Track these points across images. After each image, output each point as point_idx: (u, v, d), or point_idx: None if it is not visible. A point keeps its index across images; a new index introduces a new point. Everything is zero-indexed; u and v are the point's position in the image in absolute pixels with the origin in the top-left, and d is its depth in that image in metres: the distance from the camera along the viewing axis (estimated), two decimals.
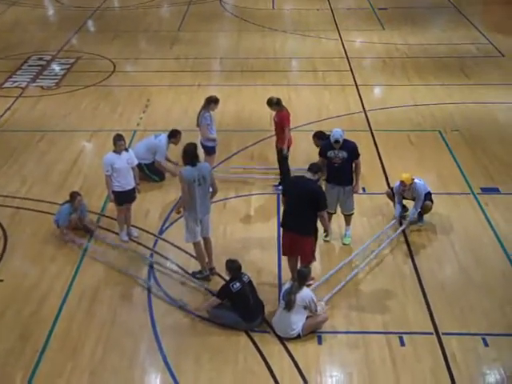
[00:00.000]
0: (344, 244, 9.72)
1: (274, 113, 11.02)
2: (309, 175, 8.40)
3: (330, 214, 9.58)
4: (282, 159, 10.98)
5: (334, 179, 9.46)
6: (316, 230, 8.56)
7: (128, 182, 9.51)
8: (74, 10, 22.45)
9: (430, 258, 9.48)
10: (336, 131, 9.33)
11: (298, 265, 8.53)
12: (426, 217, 10.18)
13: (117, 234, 9.93)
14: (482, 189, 11.15)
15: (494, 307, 8.45)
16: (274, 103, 10.80)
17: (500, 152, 12.46)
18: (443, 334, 8.00)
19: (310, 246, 8.50)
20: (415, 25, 20.50)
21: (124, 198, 9.59)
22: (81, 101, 14.97)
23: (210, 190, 8.75)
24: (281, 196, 8.80)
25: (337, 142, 9.24)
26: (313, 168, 8.46)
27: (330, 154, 9.36)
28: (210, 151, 11.05)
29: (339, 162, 9.34)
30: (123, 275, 9.13)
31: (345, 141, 9.34)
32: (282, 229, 8.63)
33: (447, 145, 12.73)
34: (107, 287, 8.92)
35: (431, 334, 8.02)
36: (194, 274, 9.03)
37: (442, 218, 10.32)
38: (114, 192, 9.47)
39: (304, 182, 8.39)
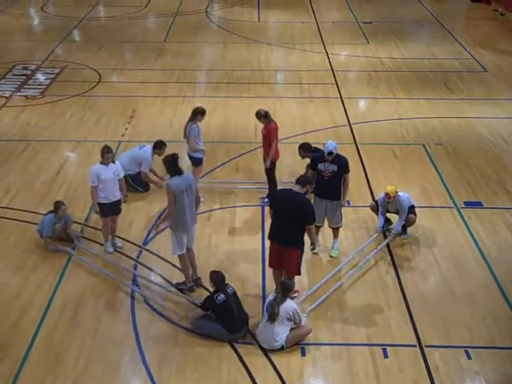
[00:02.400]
0: (331, 257, 9.74)
1: (261, 125, 11.05)
2: (297, 188, 8.34)
3: (318, 227, 9.61)
4: (269, 171, 11.02)
5: (323, 193, 9.49)
6: (303, 243, 8.54)
7: (114, 193, 9.47)
8: (60, 20, 22.43)
9: (414, 270, 9.53)
10: (330, 143, 9.37)
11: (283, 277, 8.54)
12: (410, 230, 10.25)
13: (101, 244, 9.89)
14: (465, 203, 11.25)
15: (476, 320, 8.50)
16: (262, 116, 10.83)
17: (483, 166, 12.59)
18: (426, 346, 8.03)
19: (296, 259, 8.47)
20: (400, 39, 20.71)
21: (109, 210, 9.54)
22: (66, 111, 14.92)
23: None
24: (268, 208, 8.80)
25: (330, 153, 9.28)
26: (301, 181, 8.40)
27: (321, 166, 9.40)
28: (197, 163, 11.06)
29: (329, 176, 9.37)
30: (106, 285, 9.09)
31: (337, 155, 9.38)
32: (269, 241, 8.61)
33: (431, 159, 12.84)
34: (90, 297, 8.87)
35: (414, 346, 8.05)
36: (177, 286, 9.00)
37: (425, 231, 10.40)
38: (99, 204, 9.43)
39: (292, 195, 8.35)
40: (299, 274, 8.63)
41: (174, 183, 8.35)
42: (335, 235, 9.84)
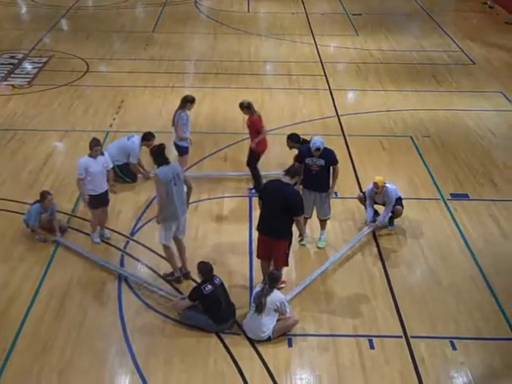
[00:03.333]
0: (318, 247, 9.77)
1: (246, 116, 11.05)
2: (286, 179, 8.33)
3: (306, 219, 9.63)
4: (251, 162, 11.03)
5: (311, 185, 9.49)
6: (291, 234, 8.54)
7: (101, 185, 9.43)
8: (48, 9, 22.25)
9: (400, 261, 9.58)
10: (317, 139, 9.34)
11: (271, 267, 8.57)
12: (397, 221, 10.29)
13: (88, 234, 9.85)
14: (451, 195, 11.31)
15: (461, 311, 8.57)
16: (245, 107, 10.84)
17: (470, 159, 12.64)
18: (412, 337, 8.08)
19: (284, 250, 8.49)
20: (389, 31, 20.72)
21: (98, 202, 9.49)
22: (53, 100, 14.83)
23: (185, 189, 8.73)
24: (256, 199, 8.77)
25: (318, 149, 9.28)
26: (290, 172, 8.40)
27: (308, 160, 9.40)
28: (183, 151, 11.03)
29: (316, 169, 9.39)
30: (93, 276, 9.07)
31: (324, 149, 9.38)
32: (257, 232, 8.61)
33: (418, 151, 12.89)
34: (77, 288, 8.85)
35: (400, 337, 8.10)
36: (165, 277, 8.99)
37: (412, 222, 10.44)
38: (89, 196, 9.39)
39: (281, 186, 8.35)
40: (287, 265, 8.66)
41: (162, 173, 8.34)
42: (323, 227, 9.86)
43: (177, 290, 8.76)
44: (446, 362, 7.74)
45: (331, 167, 9.46)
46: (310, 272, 9.16)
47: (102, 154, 9.45)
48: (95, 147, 9.29)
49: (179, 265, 8.97)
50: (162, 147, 8.55)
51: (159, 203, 8.50)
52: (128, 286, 8.88)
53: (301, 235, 8.78)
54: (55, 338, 7.95)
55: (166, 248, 8.77)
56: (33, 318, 8.27)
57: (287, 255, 8.59)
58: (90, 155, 9.30)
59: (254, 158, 11.07)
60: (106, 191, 9.58)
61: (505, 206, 11.00)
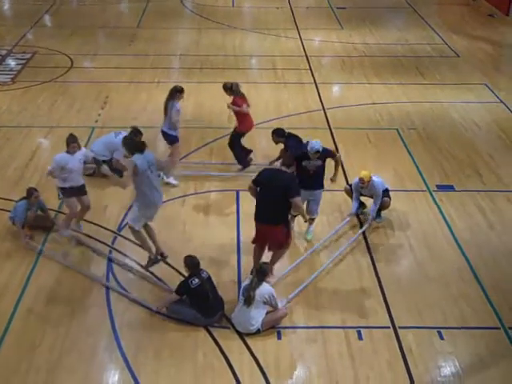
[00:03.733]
0: (306, 240, 9.78)
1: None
2: (282, 168, 8.61)
3: (294, 217, 9.66)
4: (234, 141, 11.30)
5: (307, 185, 9.37)
6: (288, 220, 8.65)
7: (79, 180, 9.35)
8: (31, 5, 22.06)
9: (388, 253, 9.63)
10: (316, 142, 9.27)
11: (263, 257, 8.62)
12: (384, 213, 10.33)
13: (75, 231, 9.79)
14: (437, 186, 11.38)
15: (448, 301, 8.63)
16: (228, 88, 11.12)
17: (455, 150, 12.72)
18: (400, 327, 8.13)
19: (282, 233, 8.52)
20: (373, 24, 20.75)
21: (73, 192, 9.39)
22: (37, 96, 14.73)
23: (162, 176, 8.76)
24: (250, 184, 8.62)
25: (317, 152, 9.24)
26: (285, 163, 8.68)
27: (306, 163, 9.36)
28: (172, 140, 11.10)
29: (314, 170, 9.39)
30: (81, 272, 9.03)
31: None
32: (255, 222, 8.57)
33: (404, 143, 12.94)
34: (65, 284, 8.81)
35: (388, 327, 8.14)
36: (146, 267, 8.96)
37: (399, 214, 10.49)
38: (62, 188, 9.30)
39: (277, 172, 8.56)
40: (288, 245, 8.72)
41: (139, 161, 8.32)
42: (310, 223, 9.87)
43: (164, 283, 8.76)
44: (433, 351, 7.80)
45: (331, 160, 9.53)
46: (292, 265, 9.21)
47: (79, 148, 9.34)
48: (72, 143, 9.18)
49: (153, 248, 8.95)
50: (134, 135, 8.69)
51: (125, 183, 8.67)
52: (116, 281, 8.86)
53: (303, 217, 8.78)
54: (42, 335, 7.91)
55: (136, 232, 8.73)
56: (20, 315, 8.23)
57: (287, 236, 8.63)
58: (68, 152, 9.20)
59: (237, 136, 11.31)
60: (83, 184, 9.49)
61: (490, 197, 11.08)
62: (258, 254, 8.75)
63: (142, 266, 9.07)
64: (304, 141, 10.12)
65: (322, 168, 9.50)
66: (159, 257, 8.96)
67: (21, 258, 9.29)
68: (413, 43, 19.11)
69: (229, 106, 11.23)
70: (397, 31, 20.25)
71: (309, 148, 9.30)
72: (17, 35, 18.80)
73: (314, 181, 9.49)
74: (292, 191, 8.29)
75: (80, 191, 9.48)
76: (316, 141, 9.39)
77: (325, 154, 9.45)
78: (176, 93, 10.83)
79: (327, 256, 9.48)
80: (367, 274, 9.16)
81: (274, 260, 8.82)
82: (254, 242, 8.77)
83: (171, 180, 11.20)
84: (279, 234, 8.53)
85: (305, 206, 9.76)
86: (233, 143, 11.46)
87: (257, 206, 8.56)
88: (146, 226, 8.87)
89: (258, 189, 8.55)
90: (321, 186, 9.60)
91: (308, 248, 9.65)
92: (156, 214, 8.83)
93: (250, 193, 8.70)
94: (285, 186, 8.27)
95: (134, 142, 8.65)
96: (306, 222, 9.22)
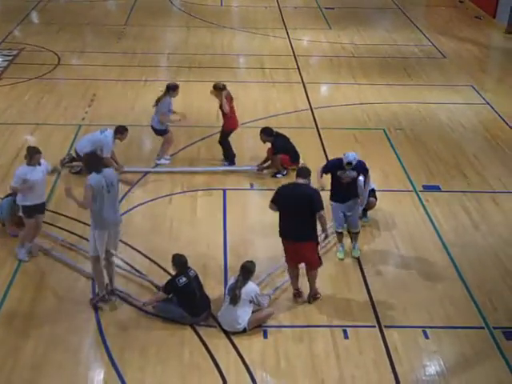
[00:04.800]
0: (354, 257, 9.49)
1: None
2: (300, 181, 8.21)
3: (339, 233, 9.50)
4: (222, 138, 11.48)
5: (342, 197, 9.17)
6: (317, 234, 8.30)
7: (41, 196, 8.96)
8: (17, 1, 21.94)
9: (374, 252, 9.67)
10: (351, 154, 8.98)
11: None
12: (370, 213, 10.37)
13: (60, 228, 9.73)
14: (423, 186, 11.44)
15: (433, 300, 8.68)
16: (219, 88, 11.30)
17: (441, 151, 12.80)
18: (385, 326, 8.17)
19: (315, 251, 8.37)
20: (361, 25, 20.83)
21: (34, 211, 8.94)
22: (24, 93, 14.66)
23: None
24: (270, 204, 8.34)
25: (349, 164, 8.93)
26: (302, 173, 8.26)
27: (340, 173, 9.06)
28: (162, 132, 11.41)
29: (349, 181, 9.10)
30: (67, 269, 9.00)
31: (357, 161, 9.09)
32: (282, 239, 8.35)
33: (391, 143, 13.01)
34: (50, 282, 8.79)
35: (374, 327, 8.18)
36: (91, 302, 8.35)
37: (385, 214, 10.54)
38: (23, 206, 8.87)
39: (296, 187, 8.22)
40: (321, 263, 8.52)
41: (93, 180, 7.91)
42: (355, 239, 9.57)
43: (151, 281, 8.74)
44: (418, 350, 7.84)
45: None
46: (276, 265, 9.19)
47: (39, 163, 8.84)
48: (36, 155, 8.71)
49: (106, 281, 8.45)
50: (94, 153, 8.57)
51: (81, 203, 8.05)
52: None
53: (324, 231, 8.32)
54: (28, 332, 7.88)
55: (94, 261, 8.23)
56: (5, 312, 8.19)
57: (319, 254, 8.47)
58: (29, 164, 8.72)
59: (225, 135, 11.53)
60: (44, 202, 9.12)
61: (476, 198, 11.16)
62: (294, 272, 8.53)
63: (132, 265, 8.99)
64: (292, 140, 10.15)
65: (355, 180, 9.14)
66: (107, 296, 8.36)
67: (6, 254, 9.24)
68: (400, 44, 19.21)
69: (221, 105, 11.35)
70: (385, 32, 20.33)
71: (343, 157, 9.00)
72: (4, 32, 18.69)
73: (349, 192, 9.15)
74: (316, 204, 8.02)
75: (41, 210, 9.07)
76: (352, 153, 9.06)
77: (358, 166, 9.08)
78: (169, 90, 11.14)
79: None
80: (353, 272, 9.20)
81: (311, 281, 8.54)
82: (288, 262, 8.56)
83: (162, 161, 11.37)
84: (312, 252, 8.34)
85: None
86: (222, 140, 11.59)
87: (282, 225, 8.30)
88: (107, 254, 8.31)
89: (279, 208, 8.25)
90: (355, 196, 9.25)
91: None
92: (115, 240, 8.34)
93: (271, 209, 8.42)
94: (308, 200, 8.02)
95: (91, 161, 8.20)
96: (325, 237, 8.68)
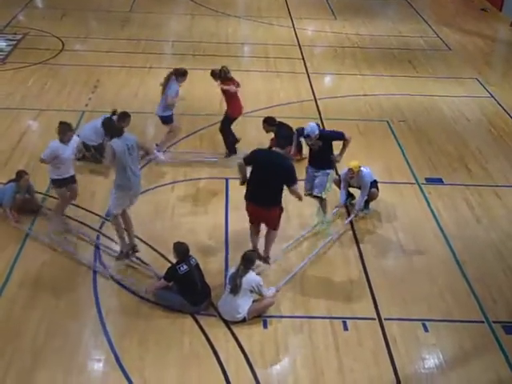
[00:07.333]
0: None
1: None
2: (277, 149, 8.53)
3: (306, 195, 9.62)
4: (225, 126, 11.29)
5: (315, 162, 9.53)
6: (281, 201, 8.57)
7: (69, 171, 9.16)
8: None
9: (375, 244, 9.66)
10: (310, 126, 9.24)
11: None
12: (372, 204, 10.36)
13: (65, 215, 9.73)
14: (426, 179, 11.41)
15: (434, 293, 8.68)
16: (216, 74, 11.32)
17: (444, 144, 12.77)
18: (385, 319, 8.17)
19: (277, 215, 8.60)
20: (366, 16, 20.73)
21: (64, 183, 9.20)
22: (27, 78, 14.62)
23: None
24: (240, 162, 8.59)
25: (307, 136, 9.22)
26: (280, 143, 8.65)
27: (307, 140, 9.40)
28: (168, 120, 11.24)
29: (316, 148, 9.40)
30: (68, 257, 9.00)
31: (320, 132, 9.30)
32: (246, 201, 8.58)
33: (394, 135, 12.97)
34: (51, 269, 8.78)
35: (373, 319, 8.18)
36: (117, 259, 8.89)
37: (387, 206, 10.53)
38: (52, 180, 9.13)
39: (276, 156, 8.43)
40: (278, 227, 8.80)
41: (115, 144, 8.31)
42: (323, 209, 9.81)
43: (152, 269, 8.75)
44: (417, 343, 7.85)
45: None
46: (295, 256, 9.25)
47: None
48: (69, 132, 8.95)
49: (126, 238, 8.90)
50: (112, 118, 8.69)
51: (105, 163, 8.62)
52: (103, 266, 8.84)
53: (299, 199, 8.62)
54: (28, 319, 7.89)
55: (116, 218, 8.71)
56: (5, 299, 8.19)
57: (279, 217, 8.71)
58: (62, 141, 8.91)
59: (227, 121, 11.34)
60: (73, 175, 9.29)
61: (478, 191, 11.13)
62: (255, 234, 8.82)
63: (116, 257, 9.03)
64: (294, 130, 10.13)
65: (326, 149, 9.42)
66: (130, 251, 8.88)
67: (7, 241, 9.24)
68: (406, 35, 19.12)
69: (221, 88, 11.24)
70: (390, 23, 20.24)
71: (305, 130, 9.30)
72: (8, 16, 18.61)
73: (318, 159, 9.49)
74: (290, 179, 8.28)
75: (71, 181, 9.33)
76: (312, 124, 9.35)
77: (323, 136, 9.33)
78: (178, 76, 10.99)
79: (315, 245, 9.48)
80: (354, 263, 9.20)
81: (268, 243, 8.87)
82: (250, 222, 8.80)
83: (158, 154, 11.26)
84: (273, 216, 8.59)
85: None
86: (223, 128, 11.46)
87: (249, 187, 8.51)
88: (123, 214, 8.80)
89: (253, 169, 8.45)
90: (325, 167, 9.52)
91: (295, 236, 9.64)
92: (136, 198, 8.77)
93: (238, 169, 8.63)
94: (285, 174, 8.25)
95: (111, 126, 8.64)
96: (320, 223, 9.22)
